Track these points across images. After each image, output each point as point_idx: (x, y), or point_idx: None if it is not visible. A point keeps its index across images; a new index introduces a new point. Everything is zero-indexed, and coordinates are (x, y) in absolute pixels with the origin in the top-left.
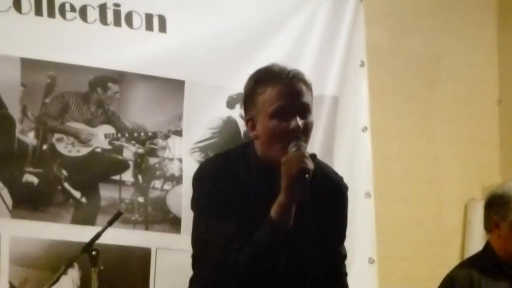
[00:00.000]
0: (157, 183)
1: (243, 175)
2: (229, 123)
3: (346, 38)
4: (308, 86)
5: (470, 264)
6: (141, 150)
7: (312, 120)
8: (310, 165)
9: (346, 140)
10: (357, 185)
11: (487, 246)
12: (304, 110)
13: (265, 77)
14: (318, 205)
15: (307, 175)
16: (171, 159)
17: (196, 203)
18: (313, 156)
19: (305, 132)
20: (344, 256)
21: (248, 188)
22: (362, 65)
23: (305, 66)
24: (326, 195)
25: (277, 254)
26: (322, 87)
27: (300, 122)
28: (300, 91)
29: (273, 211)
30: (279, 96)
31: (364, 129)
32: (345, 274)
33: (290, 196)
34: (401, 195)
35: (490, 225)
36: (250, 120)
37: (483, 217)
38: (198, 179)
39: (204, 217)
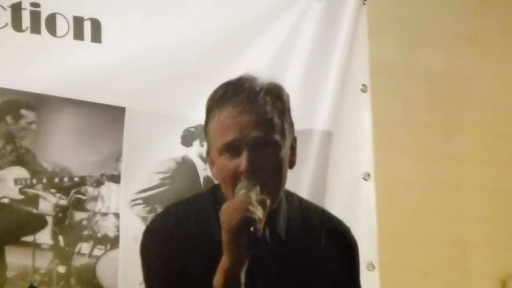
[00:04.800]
0: (85, 247)
1: (213, 226)
2: (185, 166)
3: (343, 53)
4: (281, 101)
5: None
6: (63, 202)
7: (279, 152)
8: (257, 213)
9: (342, 191)
10: None
11: None
12: (258, 143)
13: (219, 96)
14: (300, 270)
15: (252, 228)
16: (105, 214)
17: (145, 273)
18: (263, 201)
19: (262, 170)
20: None
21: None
22: (365, 90)
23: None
24: (315, 253)
25: None
26: (311, 119)
27: (249, 158)
28: (257, 114)
29: (215, 279)
30: (226, 125)
31: (367, 176)
32: None
33: (233, 257)
34: (413, 265)
35: None
36: (207, 154)
37: None
38: (147, 239)
39: None
